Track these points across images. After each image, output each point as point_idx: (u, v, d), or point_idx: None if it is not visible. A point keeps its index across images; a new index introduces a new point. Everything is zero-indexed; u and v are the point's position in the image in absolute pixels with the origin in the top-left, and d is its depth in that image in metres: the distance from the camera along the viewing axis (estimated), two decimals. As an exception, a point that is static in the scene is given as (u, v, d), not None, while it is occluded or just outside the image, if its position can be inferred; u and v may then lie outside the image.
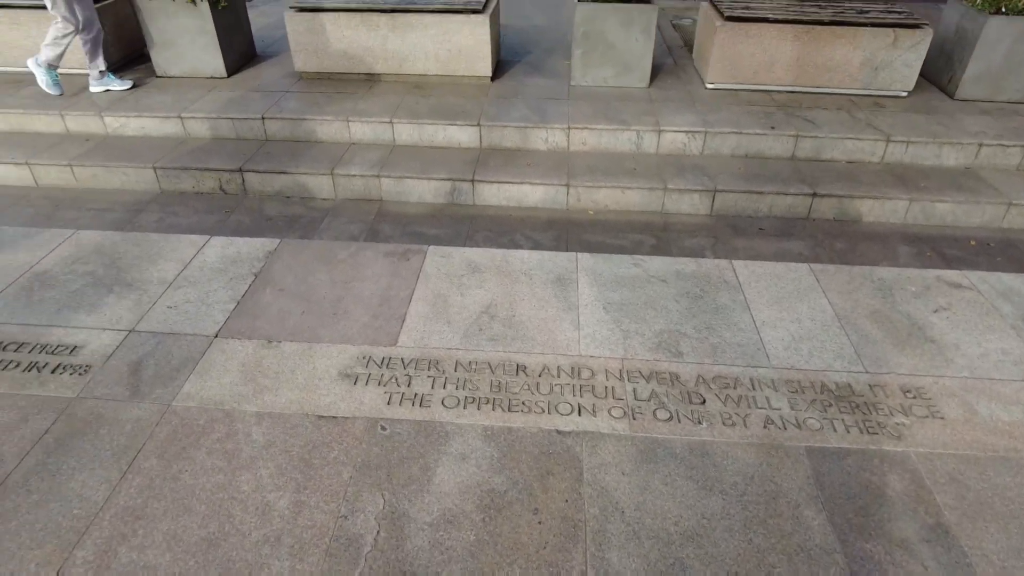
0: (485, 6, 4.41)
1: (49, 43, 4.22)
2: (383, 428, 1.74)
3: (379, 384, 1.87)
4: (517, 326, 2.10)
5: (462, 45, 4.36)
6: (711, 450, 1.71)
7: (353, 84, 4.49)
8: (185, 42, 4.52)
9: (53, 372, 1.90)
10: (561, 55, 5.00)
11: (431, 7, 4.30)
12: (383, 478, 1.61)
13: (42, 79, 4.31)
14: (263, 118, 4.05)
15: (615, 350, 2.01)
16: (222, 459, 1.65)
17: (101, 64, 4.38)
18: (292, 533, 1.48)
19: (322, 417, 1.76)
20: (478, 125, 3.93)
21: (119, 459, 1.65)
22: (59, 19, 4.11)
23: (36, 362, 1.93)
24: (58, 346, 1.99)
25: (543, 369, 1.94)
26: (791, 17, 4.14)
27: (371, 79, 4.55)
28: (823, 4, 4.44)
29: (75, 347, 1.98)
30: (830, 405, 1.84)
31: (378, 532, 1.49)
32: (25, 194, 3.94)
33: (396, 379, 1.89)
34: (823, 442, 1.73)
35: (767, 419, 1.80)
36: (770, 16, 4.16)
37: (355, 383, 1.87)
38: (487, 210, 3.70)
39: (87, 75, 4.46)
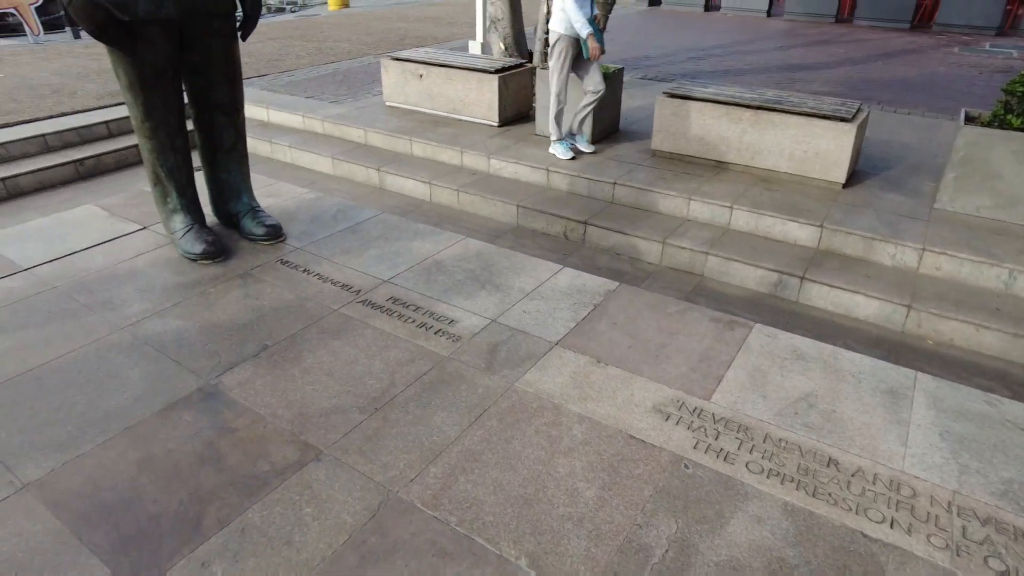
0: (854, 116, 4.37)
1: (551, 120, 4.88)
2: (686, 467, 1.85)
3: (688, 428, 1.99)
4: (836, 421, 2.05)
5: (820, 149, 4.37)
6: (1056, 624, 1.47)
7: (701, 168, 4.77)
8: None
9: (435, 334, 2.40)
10: (926, 175, 4.67)
11: (798, 109, 4.40)
12: (679, 507, 1.71)
13: (555, 151, 4.95)
14: (615, 183, 4.53)
15: (947, 480, 1.84)
16: (545, 440, 1.92)
17: (568, 128, 5.00)
18: (592, 520, 1.67)
19: (633, 437, 1.94)
20: (820, 226, 3.88)
21: (470, 412, 2.02)
22: (551, 92, 4.79)
23: (425, 323, 2.46)
24: (441, 316, 2.51)
25: (857, 470, 1.86)
26: None
27: (719, 166, 4.79)
28: None
29: (452, 320, 2.48)
30: None
31: (667, 550, 1.59)
32: (420, 205, 4.95)
33: (705, 429, 1.99)
34: None
35: None
36: None
37: (666, 420, 2.02)
38: (810, 310, 3.61)
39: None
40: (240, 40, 2.83)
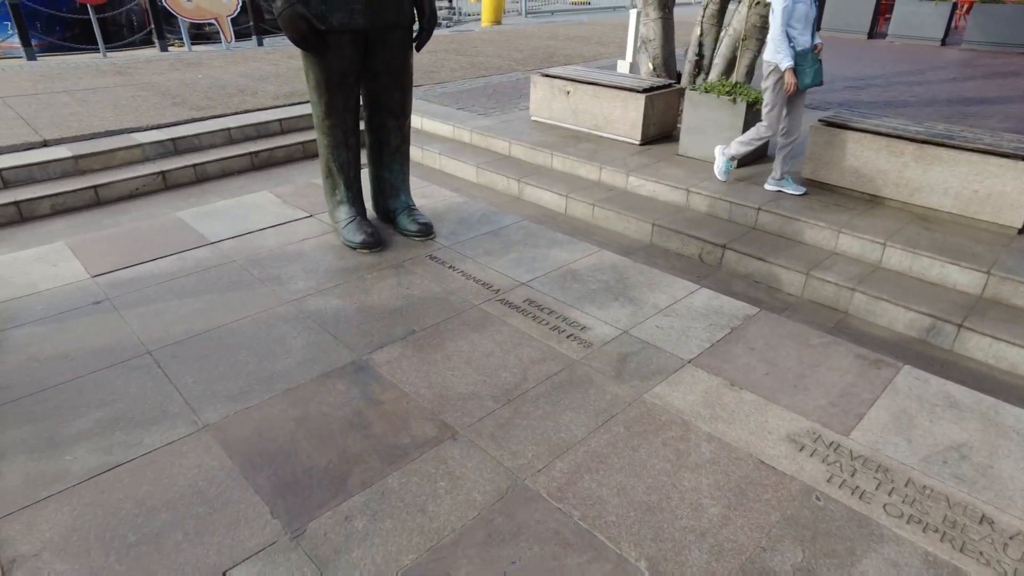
0: (1041, 156, 3.98)
1: (744, 141, 4.65)
2: (818, 499, 1.79)
3: (822, 461, 1.92)
4: (993, 478, 1.90)
5: (994, 189, 4.02)
6: None
7: (852, 200, 4.53)
8: (712, 131, 5.21)
9: (567, 337, 2.48)
10: None
11: (971, 145, 4.07)
12: (807, 537, 1.67)
13: (719, 166, 4.80)
14: (759, 209, 4.41)
15: (1125, 559, 1.65)
16: (672, 453, 1.93)
17: (783, 169, 4.62)
18: (714, 536, 1.66)
19: (763, 463, 1.91)
20: (987, 273, 3.57)
21: (597, 416, 2.07)
22: (764, 123, 4.51)
23: (557, 326, 2.55)
24: (574, 322, 2.58)
25: (1016, 533, 1.72)
26: None
27: (873, 200, 4.53)
28: None
29: (584, 327, 2.55)
30: None
31: (792, 578, 1.56)
32: (555, 217, 5.07)
33: (840, 464, 1.91)
34: None
35: None
36: None
37: (800, 450, 1.96)
38: (966, 362, 3.33)
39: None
40: (414, 51, 3.07)
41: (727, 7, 6.56)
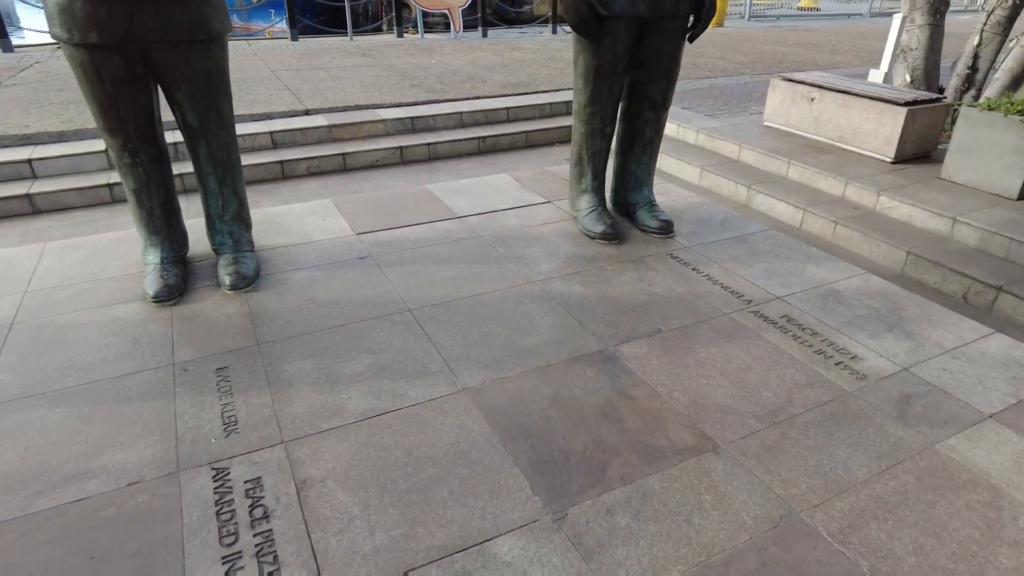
0: None
1: None
2: None
3: None
4: None
5: None
6: None
7: None
8: (989, 156, 4.53)
9: (836, 365, 2.24)
10: None
11: None
12: None
13: None
14: (1049, 250, 3.75)
15: None
16: (980, 520, 1.65)
17: None
18: (1049, 633, 1.39)
19: (1105, 555, 1.57)
20: None
21: (880, 459, 1.84)
22: None
23: (823, 350, 2.31)
24: (842, 349, 2.33)
25: None
26: None
27: None
28: None
29: (855, 356, 2.29)
30: None
31: None
32: (787, 230, 4.70)
33: None
34: None
35: None
36: None
37: None
38: None
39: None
40: (687, 42, 2.96)
41: (1019, 13, 5.70)
